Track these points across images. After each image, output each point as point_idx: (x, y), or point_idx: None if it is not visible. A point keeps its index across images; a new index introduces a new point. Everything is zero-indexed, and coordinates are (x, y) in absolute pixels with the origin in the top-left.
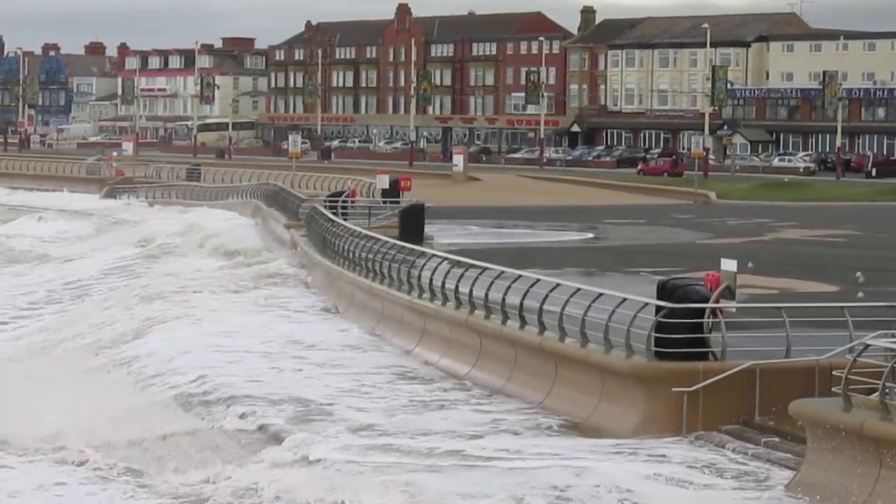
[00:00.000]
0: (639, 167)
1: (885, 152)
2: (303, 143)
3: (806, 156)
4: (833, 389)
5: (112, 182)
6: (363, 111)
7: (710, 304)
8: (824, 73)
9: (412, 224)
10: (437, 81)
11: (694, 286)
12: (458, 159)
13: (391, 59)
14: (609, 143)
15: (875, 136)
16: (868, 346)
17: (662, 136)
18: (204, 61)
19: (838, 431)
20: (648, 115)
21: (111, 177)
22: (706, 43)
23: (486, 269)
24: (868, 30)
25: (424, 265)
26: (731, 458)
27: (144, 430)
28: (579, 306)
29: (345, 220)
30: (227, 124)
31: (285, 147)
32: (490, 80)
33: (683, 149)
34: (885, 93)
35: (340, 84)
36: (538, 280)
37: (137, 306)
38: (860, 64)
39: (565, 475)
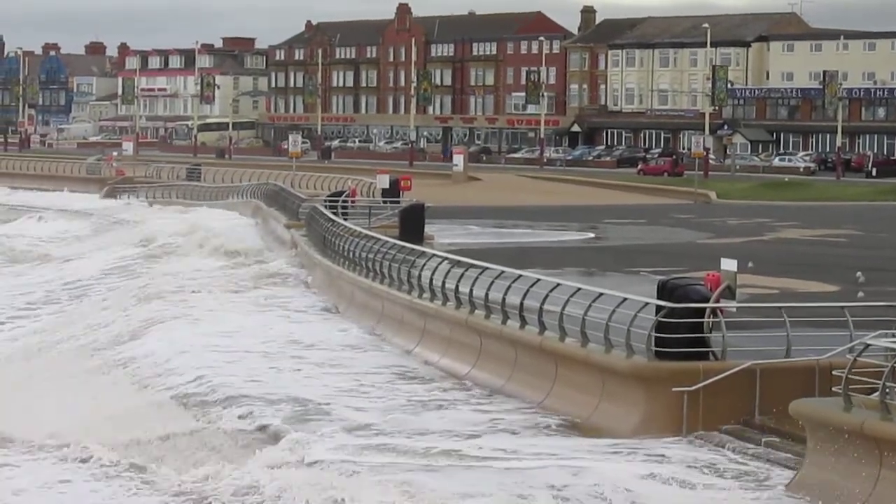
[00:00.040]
0: (639, 167)
1: (885, 152)
2: (303, 142)
3: (806, 155)
4: (833, 389)
5: (112, 182)
6: (363, 111)
7: (711, 304)
8: (824, 72)
9: (412, 224)
10: (438, 81)
11: (694, 286)
12: (459, 159)
13: (391, 58)
14: (609, 142)
15: (875, 136)
16: (868, 345)
17: (663, 135)
18: (204, 61)
19: (839, 431)
20: (649, 115)
21: (111, 177)
22: (706, 43)
23: (487, 268)
24: (868, 29)
25: (424, 265)
26: (732, 458)
27: (144, 431)
28: (579, 306)
29: (345, 219)
30: (228, 124)
31: (285, 147)
32: (490, 80)
33: (684, 149)
34: (886, 92)
35: (340, 84)
36: (538, 280)
37: (136, 307)
38: (860, 64)
39: (563, 475)
